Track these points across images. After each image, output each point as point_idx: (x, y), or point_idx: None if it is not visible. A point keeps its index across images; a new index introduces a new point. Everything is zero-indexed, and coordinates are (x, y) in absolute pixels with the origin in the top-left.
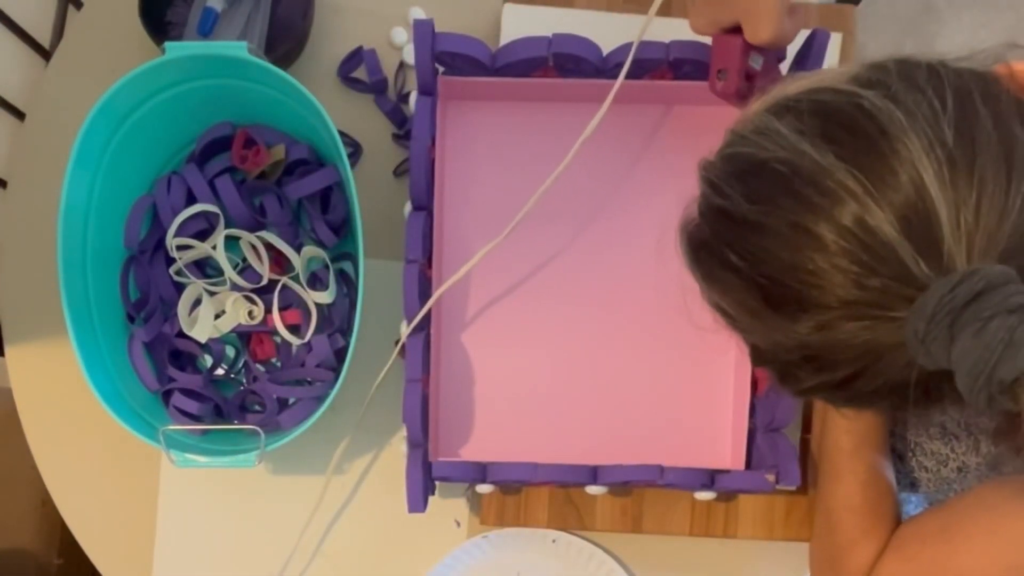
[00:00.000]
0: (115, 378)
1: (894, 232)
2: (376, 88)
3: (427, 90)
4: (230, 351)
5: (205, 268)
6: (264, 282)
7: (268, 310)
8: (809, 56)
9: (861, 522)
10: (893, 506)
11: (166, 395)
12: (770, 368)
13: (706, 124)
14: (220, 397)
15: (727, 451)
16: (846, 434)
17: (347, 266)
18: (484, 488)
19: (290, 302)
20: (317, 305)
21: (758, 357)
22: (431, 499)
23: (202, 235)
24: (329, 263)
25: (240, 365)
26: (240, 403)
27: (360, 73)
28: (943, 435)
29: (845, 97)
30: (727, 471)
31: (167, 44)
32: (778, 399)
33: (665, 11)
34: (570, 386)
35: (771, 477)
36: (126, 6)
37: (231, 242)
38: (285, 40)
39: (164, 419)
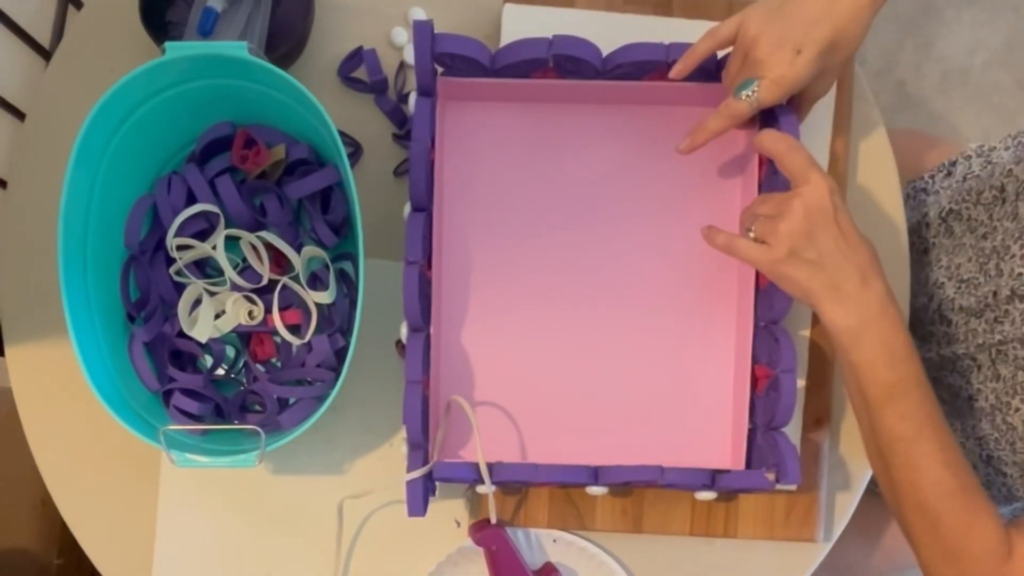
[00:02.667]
0: (115, 378)
1: None
2: (376, 88)
3: (426, 91)
4: (230, 351)
5: (205, 268)
6: (264, 282)
7: (268, 310)
8: None
9: (964, 503)
10: (975, 475)
11: (166, 395)
12: None
13: None
14: (220, 397)
15: (727, 451)
16: (902, 421)
17: (347, 266)
18: (484, 488)
19: (290, 302)
20: (317, 305)
21: None
22: (431, 499)
23: (202, 235)
24: (329, 263)
25: (240, 365)
26: (240, 403)
27: (360, 73)
28: None
29: None
30: (727, 471)
31: (167, 44)
32: (778, 398)
33: (665, 11)
34: (570, 387)
35: (771, 476)
36: (126, 6)
37: (231, 242)
38: (285, 40)
39: (164, 419)
